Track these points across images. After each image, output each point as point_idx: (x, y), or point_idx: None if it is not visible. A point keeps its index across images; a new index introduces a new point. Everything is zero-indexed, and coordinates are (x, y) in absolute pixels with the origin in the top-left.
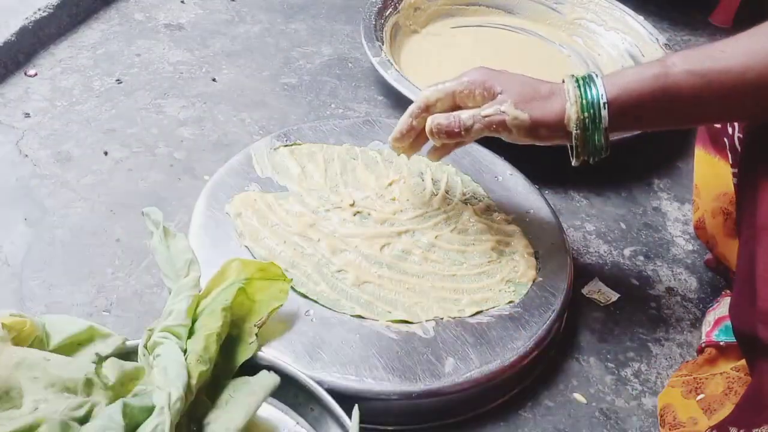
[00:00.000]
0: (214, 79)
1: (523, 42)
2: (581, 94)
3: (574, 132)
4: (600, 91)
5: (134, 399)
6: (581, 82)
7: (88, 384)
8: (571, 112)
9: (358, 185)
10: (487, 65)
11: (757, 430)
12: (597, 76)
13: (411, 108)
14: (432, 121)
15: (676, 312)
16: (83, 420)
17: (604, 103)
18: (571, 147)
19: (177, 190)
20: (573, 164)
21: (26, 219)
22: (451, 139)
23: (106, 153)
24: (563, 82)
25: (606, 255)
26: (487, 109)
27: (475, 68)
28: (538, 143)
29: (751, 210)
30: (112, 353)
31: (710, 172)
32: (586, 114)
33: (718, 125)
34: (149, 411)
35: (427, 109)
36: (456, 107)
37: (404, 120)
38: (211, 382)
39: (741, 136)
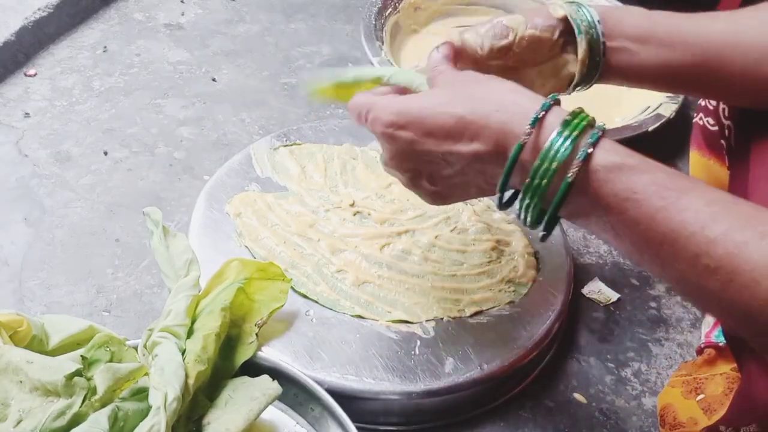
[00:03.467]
0: (213, 79)
1: None
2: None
3: (571, 16)
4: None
5: (129, 402)
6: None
7: (68, 386)
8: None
9: (358, 185)
10: None
11: (745, 428)
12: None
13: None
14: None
15: (676, 312)
16: (67, 428)
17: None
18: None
19: (177, 190)
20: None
21: (26, 219)
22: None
23: (105, 153)
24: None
25: (606, 255)
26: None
27: None
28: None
29: None
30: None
31: (705, 176)
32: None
33: (714, 128)
34: (146, 413)
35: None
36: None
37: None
38: (211, 382)
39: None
